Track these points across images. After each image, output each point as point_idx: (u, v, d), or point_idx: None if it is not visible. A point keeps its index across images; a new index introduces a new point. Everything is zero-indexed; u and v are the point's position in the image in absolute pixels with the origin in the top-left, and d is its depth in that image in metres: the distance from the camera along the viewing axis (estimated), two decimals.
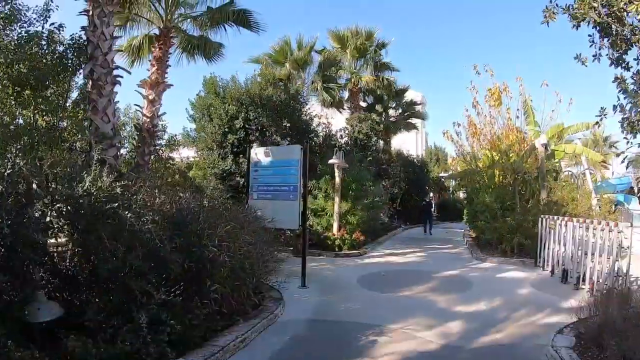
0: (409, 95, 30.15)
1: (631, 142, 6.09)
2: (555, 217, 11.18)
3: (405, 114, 30.47)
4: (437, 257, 14.75)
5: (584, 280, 9.38)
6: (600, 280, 8.59)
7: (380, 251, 16.04)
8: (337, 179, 15.22)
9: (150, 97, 13.09)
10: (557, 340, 5.89)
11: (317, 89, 23.89)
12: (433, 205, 28.25)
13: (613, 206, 15.92)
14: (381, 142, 30.05)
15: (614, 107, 6.12)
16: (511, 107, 18.06)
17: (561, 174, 19.10)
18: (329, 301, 8.40)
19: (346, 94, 27.33)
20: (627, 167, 6.05)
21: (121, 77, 9.85)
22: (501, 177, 16.82)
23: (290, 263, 10.51)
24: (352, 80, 25.41)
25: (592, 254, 9.01)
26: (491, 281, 10.71)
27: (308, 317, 7.29)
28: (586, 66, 6.21)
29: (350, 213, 15.60)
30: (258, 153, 11.03)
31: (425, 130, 63.76)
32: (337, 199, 15.21)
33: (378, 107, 29.52)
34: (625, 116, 6.03)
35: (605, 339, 5.09)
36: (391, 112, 30.54)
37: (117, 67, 9.79)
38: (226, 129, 16.88)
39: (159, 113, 13.38)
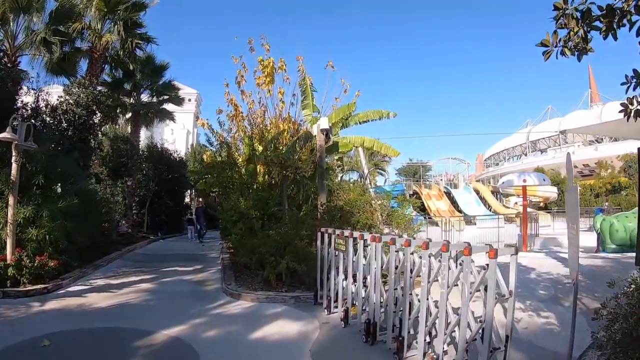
0: (177, 82, 24.80)
1: None
2: (347, 232, 6.70)
3: (161, 97, 24.60)
4: (168, 292, 9.44)
5: (410, 343, 5.00)
6: (456, 353, 4.22)
7: (87, 282, 10.18)
8: (14, 167, 8.82)
9: None
10: None
11: (34, 41, 16.47)
12: (204, 210, 23.30)
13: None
14: (122, 128, 24.07)
15: None
16: (288, 92, 13.92)
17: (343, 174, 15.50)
18: None
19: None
20: None
21: None
22: (267, 176, 12.27)
23: None
24: (89, 38, 18.24)
25: (435, 302, 4.65)
26: (241, 353, 5.69)
27: None
28: None
29: (35, 224, 9.27)
30: None
31: (197, 130, 58.51)
32: (11, 201, 8.78)
33: (127, 85, 23.15)
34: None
35: None
36: (146, 97, 24.51)
37: None
38: None
39: None
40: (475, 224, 24.19)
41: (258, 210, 9.76)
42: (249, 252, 9.42)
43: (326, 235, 7.20)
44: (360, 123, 12.95)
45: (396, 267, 5.28)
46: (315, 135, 10.67)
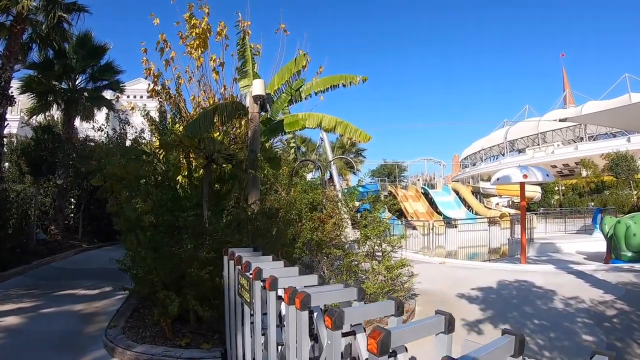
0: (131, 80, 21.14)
1: None
2: (256, 264, 3.56)
3: (98, 82, 21.08)
4: (29, 334, 6.68)
5: None
6: None
7: None
8: None
9: None
10: None
11: None
12: None
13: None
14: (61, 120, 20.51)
15: None
16: (231, 67, 10.76)
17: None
18: None
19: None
20: None
21: None
22: (193, 170, 8.88)
23: None
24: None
25: None
26: None
27: None
28: None
29: None
30: None
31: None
32: None
33: (58, 67, 19.55)
34: None
35: None
36: (84, 83, 20.95)
37: None
38: None
39: None
40: (456, 227, 21.49)
41: (157, 217, 6.34)
42: (142, 278, 6.05)
43: (232, 263, 3.86)
44: (316, 93, 9.61)
45: None
46: (247, 106, 7.45)
